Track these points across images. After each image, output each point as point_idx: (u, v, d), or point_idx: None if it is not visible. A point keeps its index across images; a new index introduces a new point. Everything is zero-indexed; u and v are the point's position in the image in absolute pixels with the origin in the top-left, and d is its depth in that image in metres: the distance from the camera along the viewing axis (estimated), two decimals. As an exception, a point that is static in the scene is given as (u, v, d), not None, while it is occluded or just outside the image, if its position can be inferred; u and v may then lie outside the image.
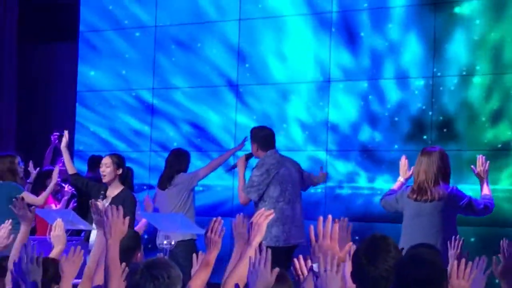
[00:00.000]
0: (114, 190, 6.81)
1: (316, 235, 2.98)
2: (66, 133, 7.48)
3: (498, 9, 7.94)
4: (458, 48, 8.11)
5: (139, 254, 4.81)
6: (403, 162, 6.09)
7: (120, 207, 3.75)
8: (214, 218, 3.96)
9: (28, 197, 7.53)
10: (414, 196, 5.73)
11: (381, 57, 8.57)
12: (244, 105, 9.49)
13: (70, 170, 7.33)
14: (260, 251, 3.31)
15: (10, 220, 5.29)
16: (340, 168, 8.84)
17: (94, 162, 8.49)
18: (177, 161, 7.41)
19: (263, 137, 6.97)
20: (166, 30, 10.08)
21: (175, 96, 9.97)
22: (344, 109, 8.80)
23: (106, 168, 6.79)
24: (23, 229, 4.60)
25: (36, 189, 8.08)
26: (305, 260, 3.48)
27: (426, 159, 5.74)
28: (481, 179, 5.88)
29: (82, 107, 10.52)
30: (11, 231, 5.07)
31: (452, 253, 4.50)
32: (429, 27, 8.21)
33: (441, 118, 8.15)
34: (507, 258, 3.61)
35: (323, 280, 2.91)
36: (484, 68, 8.00)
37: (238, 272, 3.48)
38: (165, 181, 7.38)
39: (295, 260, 3.53)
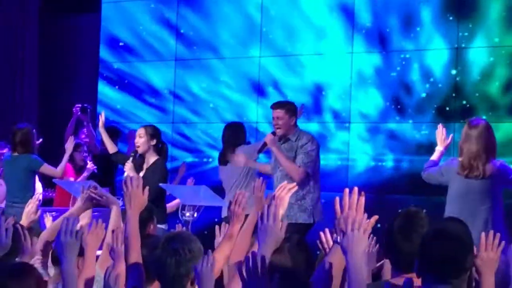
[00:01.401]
0: (149, 160, 6.83)
1: (342, 207, 2.93)
2: (103, 113, 7.55)
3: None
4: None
5: (152, 226, 4.79)
6: (440, 130, 5.93)
7: (141, 178, 3.70)
8: (239, 191, 3.93)
9: (47, 169, 7.55)
10: (465, 172, 5.58)
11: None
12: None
13: (111, 149, 7.35)
14: (269, 206, 3.26)
15: (37, 195, 5.30)
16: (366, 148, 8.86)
17: (110, 133, 8.48)
18: (234, 135, 7.33)
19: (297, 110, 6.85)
20: (188, 0, 10.04)
21: (199, 67, 9.93)
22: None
23: (140, 138, 6.80)
24: (77, 209, 4.52)
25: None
26: (331, 234, 3.43)
27: (475, 132, 5.56)
28: None
29: (104, 79, 10.51)
30: (38, 206, 5.08)
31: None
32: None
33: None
34: None
35: (350, 239, 2.85)
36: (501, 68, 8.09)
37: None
38: (225, 157, 7.33)
39: (321, 233, 3.49)
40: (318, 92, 9.12)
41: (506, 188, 5.69)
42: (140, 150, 6.80)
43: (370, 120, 8.84)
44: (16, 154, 7.52)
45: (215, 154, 9.14)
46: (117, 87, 10.44)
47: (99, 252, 4.12)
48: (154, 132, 6.85)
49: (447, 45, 8.43)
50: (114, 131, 8.39)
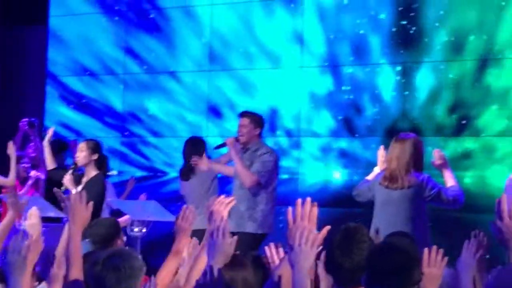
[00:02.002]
0: (89, 175, 6.77)
1: (294, 217, 2.92)
2: (51, 129, 7.44)
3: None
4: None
5: (119, 241, 4.73)
6: (381, 152, 5.96)
7: (84, 193, 3.65)
8: (185, 206, 3.91)
9: None
10: (386, 183, 5.64)
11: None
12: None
13: (49, 165, 7.26)
14: (219, 222, 3.25)
15: None
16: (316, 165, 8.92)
17: (58, 146, 8.37)
18: (194, 150, 7.21)
19: (264, 124, 6.87)
20: (137, 14, 10.00)
21: (146, 81, 9.90)
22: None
23: (81, 152, 6.76)
24: (9, 219, 4.45)
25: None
26: (277, 247, 3.43)
27: (399, 145, 5.64)
28: (443, 170, 5.76)
29: (52, 92, 10.41)
30: None
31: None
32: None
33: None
34: (465, 250, 3.60)
35: (297, 254, 2.84)
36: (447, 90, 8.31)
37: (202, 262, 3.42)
38: (186, 172, 7.27)
39: (266, 248, 3.48)
40: (270, 110, 9.15)
41: (429, 204, 5.68)
42: (79, 164, 6.77)
43: (322, 138, 8.90)
44: None
45: (167, 169, 9.11)
46: (65, 101, 10.34)
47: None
48: (95, 147, 6.81)
49: (395, 67, 8.54)
50: (62, 145, 8.29)
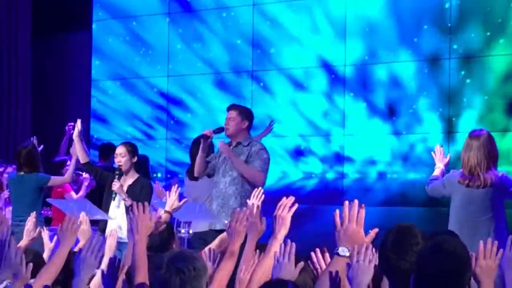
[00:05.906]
0: (130, 178, 6.68)
1: (342, 219, 2.90)
2: (78, 122, 7.25)
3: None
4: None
5: (174, 245, 4.74)
6: (438, 149, 5.95)
7: (146, 204, 3.68)
8: (239, 209, 3.91)
9: (55, 180, 7.51)
10: (466, 181, 5.58)
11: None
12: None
13: (82, 159, 6.98)
14: (285, 244, 3.26)
15: (34, 213, 5.30)
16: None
17: (105, 150, 8.40)
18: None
19: (253, 118, 6.64)
20: (179, 18, 10.05)
21: (190, 83, 9.95)
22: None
23: (122, 157, 6.64)
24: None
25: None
26: (322, 252, 3.39)
27: (475, 143, 5.58)
28: None
29: (96, 96, 10.51)
30: (35, 223, 5.07)
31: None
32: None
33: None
34: (510, 247, 3.51)
35: (355, 271, 2.84)
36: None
37: (264, 266, 3.41)
38: (194, 171, 7.01)
39: (312, 253, 3.43)
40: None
41: (507, 199, 5.66)
42: (124, 169, 6.63)
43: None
44: (22, 173, 7.43)
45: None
46: (110, 104, 10.42)
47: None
48: (134, 149, 6.71)
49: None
50: (110, 148, 8.33)
